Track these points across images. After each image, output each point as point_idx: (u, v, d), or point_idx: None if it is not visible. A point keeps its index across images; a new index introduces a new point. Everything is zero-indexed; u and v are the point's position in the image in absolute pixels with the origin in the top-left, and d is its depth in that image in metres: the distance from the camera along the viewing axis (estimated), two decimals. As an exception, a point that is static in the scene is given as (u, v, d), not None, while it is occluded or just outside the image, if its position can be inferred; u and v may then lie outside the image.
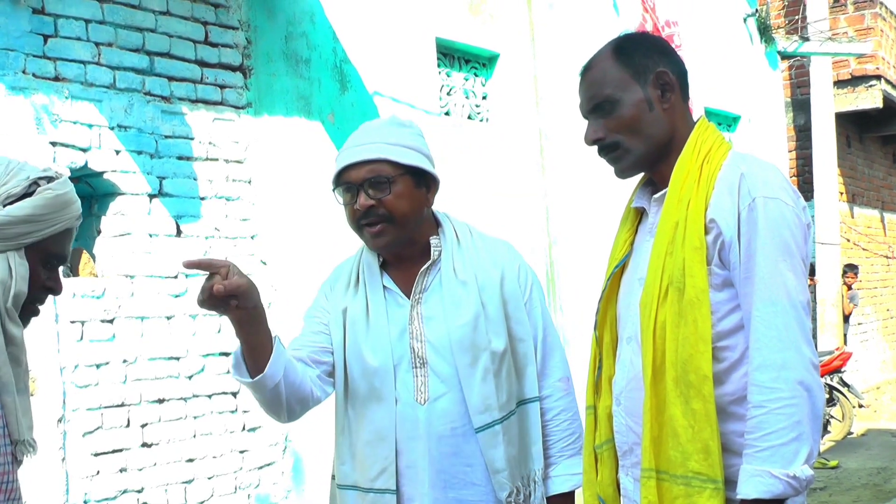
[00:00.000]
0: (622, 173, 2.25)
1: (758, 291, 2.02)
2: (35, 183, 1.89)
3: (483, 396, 2.40)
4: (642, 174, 2.31)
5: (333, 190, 2.47)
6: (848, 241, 13.63)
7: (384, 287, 2.49)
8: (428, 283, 2.48)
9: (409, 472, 2.42)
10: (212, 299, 2.08)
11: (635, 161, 2.21)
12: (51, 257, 1.93)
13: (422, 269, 2.47)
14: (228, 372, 2.41)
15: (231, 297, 2.08)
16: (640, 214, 2.33)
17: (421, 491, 2.42)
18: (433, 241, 2.49)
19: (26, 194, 1.87)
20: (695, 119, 2.26)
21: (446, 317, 2.43)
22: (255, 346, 2.22)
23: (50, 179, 1.91)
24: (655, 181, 2.27)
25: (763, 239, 2.03)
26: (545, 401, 2.54)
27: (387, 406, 2.43)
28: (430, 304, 2.46)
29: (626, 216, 2.36)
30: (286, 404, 2.33)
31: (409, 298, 2.47)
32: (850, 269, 12.86)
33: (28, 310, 1.93)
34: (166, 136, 4.95)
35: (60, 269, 2.00)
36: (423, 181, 2.46)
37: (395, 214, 2.39)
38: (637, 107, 2.17)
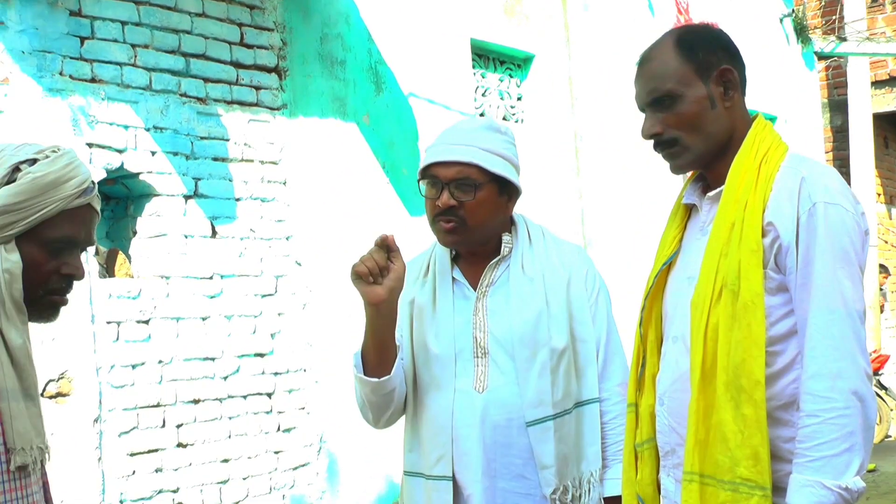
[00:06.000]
0: (678, 170, 2.21)
1: (814, 298, 1.98)
2: (17, 168, 1.73)
3: (538, 391, 2.42)
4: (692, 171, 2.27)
5: (419, 181, 2.52)
6: (885, 242, 13.46)
7: (453, 279, 2.54)
8: (496, 278, 2.52)
9: (464, 460, 2.45)
10: (371, 272, 2.28)
11: (693, 159, 2.17)
12: (54, 243, 1.76)
13: (490, 264, 2.52)
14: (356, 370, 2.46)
15: (384, 278, 2.30)
16: (689, 211, 2.29)
17: (473, 479, 2.43)
18: (505, 237, 2.54)
19: (10, 181, 1.71)
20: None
21: (510, 311, 2.47)
22: (384, 344, 2.38)
23: (34, 162, 1.73)
24: (708, 178, 2.23)
25: (822, 245, 1.98)
26: (603, 403, 2.54)
27: (446, 393, 2.46)
28: (496, 297, 2.50)
29: (675, 212, 2.31)
30: (394, 406, 2.49)
31: (475, 291, 2.51)
32: (883, 271, 12.71)
33: (49, 301, 1.80)
34: (202, 138, 4.97)
35: (85, 254, 1.84)
36: (507, 189, 2.50)
37: (471, 220, 2.43)
38: (699, 104, 2.12)
